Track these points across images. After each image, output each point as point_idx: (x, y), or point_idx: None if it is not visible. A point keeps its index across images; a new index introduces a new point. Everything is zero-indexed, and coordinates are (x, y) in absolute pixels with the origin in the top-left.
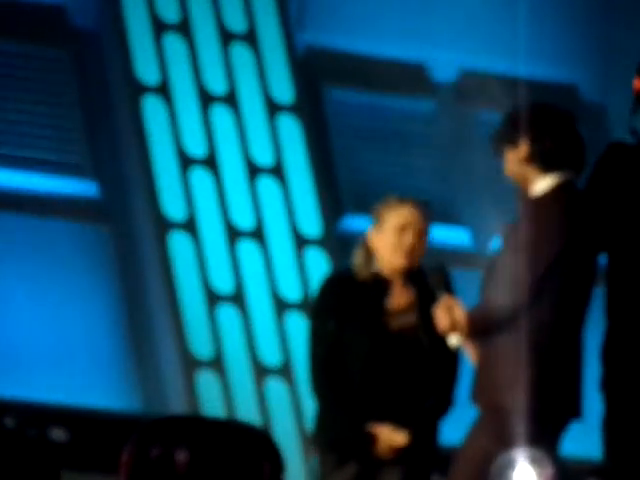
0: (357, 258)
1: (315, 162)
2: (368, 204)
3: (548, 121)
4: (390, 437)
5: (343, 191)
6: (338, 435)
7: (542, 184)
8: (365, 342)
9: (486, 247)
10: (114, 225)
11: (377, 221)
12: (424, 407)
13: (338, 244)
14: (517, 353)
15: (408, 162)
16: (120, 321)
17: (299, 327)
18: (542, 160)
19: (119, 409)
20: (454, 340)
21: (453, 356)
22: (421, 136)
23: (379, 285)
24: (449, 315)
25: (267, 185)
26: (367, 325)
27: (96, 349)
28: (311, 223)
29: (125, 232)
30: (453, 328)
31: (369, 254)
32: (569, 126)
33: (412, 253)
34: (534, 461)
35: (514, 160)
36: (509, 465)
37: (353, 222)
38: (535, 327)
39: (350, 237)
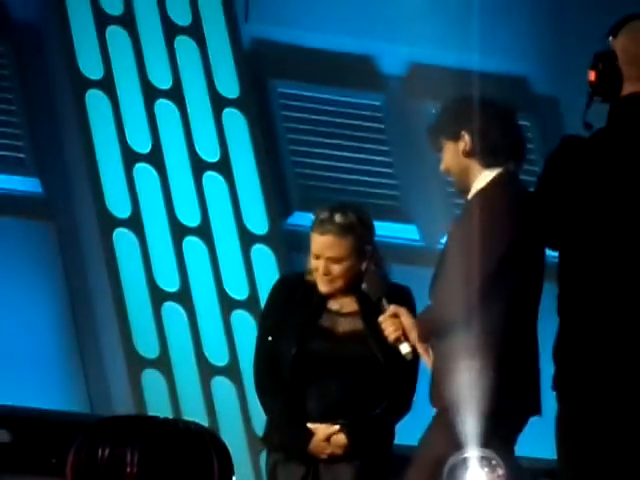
0: (308, 261)
1: (262, 157)
2: (316, 200)
3: (489, 114)
4: (325, 433)
5: (290, 187)
6: (278, 438)
7: (485, 178)
8: (292, 346)
9: (436, 243)
10: (58, 222)
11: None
12: (370, 413)
13: (285, 241)
14: (471, 352)
15: (357, 157)
16: (64, 320)
17: (246, 325)
18: (484, 154)
19: (63, 410)
20: (405, 349)
21: (404, 362)
22: (370, 130)
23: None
24: (396, 324)
25: (213, 181)
26: (299, 329)
27: (40, 348)
28: (258, 220)
29: (69, 229)
30: (402, 336)
31: None
32: (510, 118)
33: (330, 281)
34: (486, 461)
35: (454, 154)
36: (461, 466)
37: (301, 218)
38: (489, 325)
39: (297, 234)
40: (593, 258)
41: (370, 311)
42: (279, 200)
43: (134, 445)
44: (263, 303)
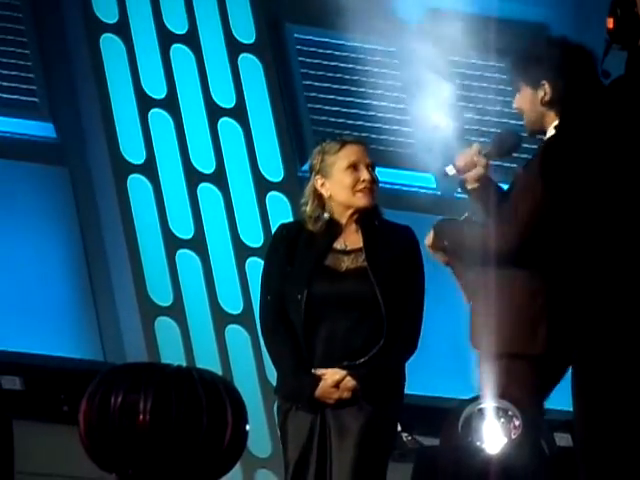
0: (308, 210)
1: (277, 103)
2: None
3: (573, 63)
4: (334, 379)
5: (306, 133)
6: (286, 386)
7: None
8: (301, 290)
9: (452, 192)
10: (72, 167)
11: (320, 169)
12: (374, 351)
13: (301, 188)
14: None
15: (373, 104)
16: (78, 266)
17: (260, 273)
18: (562, 103)
19: (76, 357)
20: (450, 170)
21: (410, 299)
22: (386, 77)
23: (330, 231)
24: (471, 162)
25: (228, 127)
26: (306, 273)
27: (53, 295)
28: (273, 167)
29: (83, 175)
30: (470, 167)
31: (320, 204)
32: (592, 67)
33: (371, 188)
34: (502, 412)
35: (531, 100)
36: (477, 416)
37: None
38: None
39: None
40: (612, 210)
41: (374, 246)
42: (294, 147)
43: (147, 393)
44: None
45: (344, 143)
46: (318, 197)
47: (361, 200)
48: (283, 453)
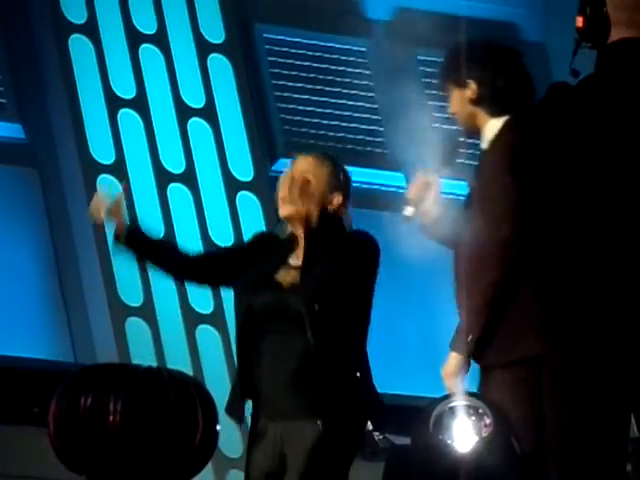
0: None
1: (247, 103)
2: (302, 146)
3: (497, 60)
4: None
5: (276, 133)
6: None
7: (493, 127)
8: (246, 301)
9: None
10: (41, 168)
11: None
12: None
13: (270, 188)
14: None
15: (342, 103)
16: (48, 267)
17: None
18: (490, 102)
19: (46, 358)
20: (409, 212)
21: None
22: (356, 76)
23: (291, 245)
24: (422, 190)
25: (198, 127)
26: (254, 284)
27: (23, 296)
28: (243, 166)
29: (52, 175)
30: (417, 203)
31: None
32: (517, 64)
33: (291, 201)
34: (473, 410)
35: (460, 100)
36: (448, 414)
37: (286, 165)
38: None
39: None
40: (581, 208)
41: (312, 262)
42: (264, 146)
43: (117, 394)
44: None
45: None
46: None
47: (280, 209)
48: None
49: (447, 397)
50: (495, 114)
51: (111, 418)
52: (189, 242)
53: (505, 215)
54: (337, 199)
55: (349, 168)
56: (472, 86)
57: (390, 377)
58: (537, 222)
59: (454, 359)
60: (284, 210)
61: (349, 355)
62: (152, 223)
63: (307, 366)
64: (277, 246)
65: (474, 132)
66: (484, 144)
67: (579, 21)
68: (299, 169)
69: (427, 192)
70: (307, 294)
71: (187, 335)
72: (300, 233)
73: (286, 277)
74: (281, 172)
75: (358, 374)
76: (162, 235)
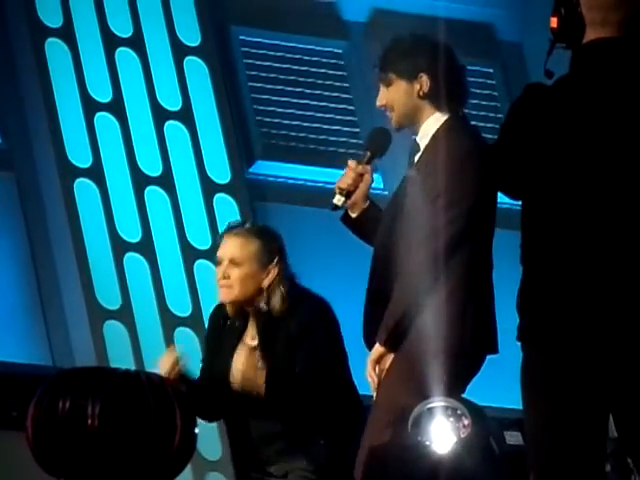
0: None
1: (224, 106)
2: (279, 148)
3: (449, 59)
4: None
5: (253, 135)
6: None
7: (436, 122)
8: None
9: None
10: (18, 172)
11: None
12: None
13: (248, 190)
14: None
15: (319, 105)
16: (25, 271)
17: (209, 275)
18: (441, 98)
19: (24, 362)
20: (338, 201)
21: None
22: (332, 78)
23: (241, 323)
24: (355, 179)
25: (174, 130)
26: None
27: (0, 300)
28: (220, 169)
29: (29, 180)
30: (348, 193)
31: None
32: (458, 62)
33: (228, 286)
34: (451, 411)
35: (407, 93)
36: (426, 416)
37: (264, 167)
38: (451, 272)
39: (260, 183)
40: (557, 206)
41: (268, 341)
42: (241, 149)
43: (95, 397)
44: None
45: (222, 236)
46: None
47: (219, 294)
48: None
49: (426, 398)
50: (440, 110)
51: (89, 422)
52: (167, 245)
53: (465, 217)
54: (272, 274)
55: (326, 170)
56: (424, 80)
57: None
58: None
59: (376, 349)
60: (222, 296)
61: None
62: (130, 226)
63: None
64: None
65: (409, 126)
66: (423, 139)
67: (553, 22)
68: (227, 254)
69: (359, 183)
70: (270, 372)
71: (165, 338)
72: (250, 310)
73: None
74: (258, 174)
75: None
76: (139, 238)
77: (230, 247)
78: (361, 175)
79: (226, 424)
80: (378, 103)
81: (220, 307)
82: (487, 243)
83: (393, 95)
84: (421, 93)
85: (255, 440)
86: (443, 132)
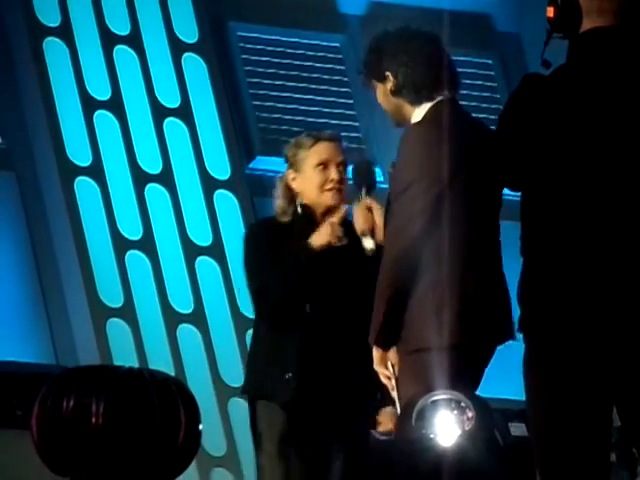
0: (279, 203)
1: (222, 102)
2: (278, 144)
3: (411, 50)
4: None
5: (252, 131)
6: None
7: (417, 116)
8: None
9: None
10: (18, 172)
11: (293, 163)
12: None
13: (248, 185)
14: (434, 292)
15: (318, 99)
16: (28, 270)
17: (210, 272)
18: (410, 92)
19: (28, 361)
20: (369, 244)
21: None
22: (330, 72)
23: (305, 225)
24: (368, 217)
25: (174, 127)
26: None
27: (3, 299)
28: (220, 165)
29: (30, 179)
30: (371, 230)
31: (291, 198)
32: (433, 48)
33: (340, 188)
34: (455, 403)
35: (384, 94)
36: (430, 408)
37: (263, 163)
38: (448, 259)
39: (260, 178)
40: (557, 197)
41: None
42: (241, 145)
43: (99, 395)
44: (227, 249)
45: (317, 139)
46: (289, 191)
47: (329, 199)
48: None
49: (430, 391)
50: (417, 102)
51: (94, 420)
52: (168, 242)
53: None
54: None
55: None
56: (390, 77)
57: None
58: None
59: (374, 351)
60: (335, 199)
61: None
62: (131, 224)
63: None
64: (286, 232)
65: (405, 123)
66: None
67: (550, 11)
68: (338, 157)
69: (373, 216)
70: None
71: (168, 335)
72: (318, 217)
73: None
74: (258, 170)
75: None
76: (140, 236)
77: (338, 151)
78: (370, 209)
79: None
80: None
81: (263, 225)
82: (484, 229)
83: (378, 98)
84: (392, 91)
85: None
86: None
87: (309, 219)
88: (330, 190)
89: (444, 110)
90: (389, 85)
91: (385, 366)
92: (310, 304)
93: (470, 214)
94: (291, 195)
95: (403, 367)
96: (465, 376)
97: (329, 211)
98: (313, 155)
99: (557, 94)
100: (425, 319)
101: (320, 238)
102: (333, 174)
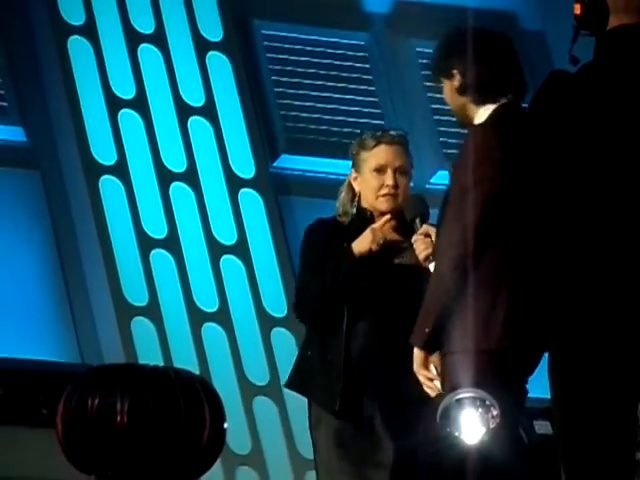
0: (341, 201)
1: (247, 100)
2: (303, 142)
3: (480, 47)
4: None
5: (276, 129)
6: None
7: (481, 116)
8: (359, 281)
9: (425, 182)
10: (43, 171)
11: (355, 163)
12: None
13: (272, 184)
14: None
15: (343, 97)
16: (52, 269)
17: (235, 271)
18: (476, 90)
19: (53, 360)
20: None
21: None
22: (355, 70)
23: (359, 228)
24: (427, 243)
25: (198, 125)
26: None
27: (28, 299)
28: (244, 163)
29: (55, 178)
30: (432, 255)
31: (352, 197)
32: (503, 50)
33: (394, 194)
34: (480, 402)
35: (450, 91)
36: (455, 407)
37: (288, 161)
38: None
39: (284, 177)
40: (583, 197)
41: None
42: (265, 143)
43: (124, 394)
44: (251, 247)
45: (378, 142)
46: (351, 191)
47: (382, 205)
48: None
49: (454, 390)
50: (481, 103)
51: (118, 418)
52: (193, 241)
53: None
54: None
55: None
56: (457, 76)
57: None
58: (523, 214)
59: (416, 353)
60: (388, 205)
61: None
62: (155, 222)
63: None
64: (345, 231)
65: (469, 123)
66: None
67: (577, 8)
68: (396, 162)
69: (432, 240)
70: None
71: (193, 333)
72: (376, 218)
73: (396, 258)
74: (283, 168)
75: None
76: (165, 234)
77: (397, 155)
78: (428, 235)
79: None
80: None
81: (322, 224)
82: (533, 235)
83: (446, 96)
84: (458, 89)
85: None
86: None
87: (364, 222)
88: (384, 196)
89: (507, 114)
90: (455, 83)
91: (427, 368)
92: (354, 307)
93: (526, 221)
94: (353, 195)
95: (445, 369)
96: (509, 381)
97: (383, 217)
98: (372, 158)
99: (584, 92)
100: (471, 322)
101: (361, 244)
102: (389, 180)
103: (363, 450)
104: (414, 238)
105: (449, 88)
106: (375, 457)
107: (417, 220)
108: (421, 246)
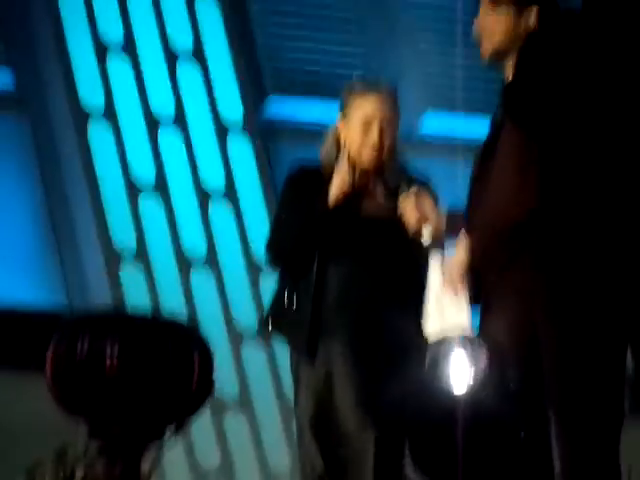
0: (325, 149)
1: (234, 43)
2: (291, 85)
3: None
4: None
5: (265, 72)
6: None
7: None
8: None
9: (413, 128)
10: (32, 115)
11: (343, 110)
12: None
13: (261, 127)
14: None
15: (330, 38)
16: (41, 215)
17: (223, 215)
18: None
19: (42, 305)
20: (426, 235)
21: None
22: (343, 10)
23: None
24: (419, 207)
25: (186, 70)
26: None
27: (17, 244)
28: (233, 107)
29: (43, 123)
30: (424, 221)
31: (337, 145)
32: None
33: (380, 147)
34: (469, 341)
35: (515, 24)
36: (444, 348)
37: (276, 105)
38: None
39: (274, 121)
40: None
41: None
42: (254, 87)
43: (114, 338)
44: (240, 192)
45: (368, 91)
46: (336, 137)
47: (364, 159)
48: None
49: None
50: None
51: (108, 362)
52: (181, 185)
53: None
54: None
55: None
56: (534, 12)
57: None
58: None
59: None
60: (372, 162)
61: None
62: (144, 168)
63: None
64: (326, 181)
65: (501, 60)
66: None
67: None
68: (381, 114)
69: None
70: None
71: (181, 278)
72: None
73: (371, 209)
74: (271, 114)
75: None
76: (153, 179)
77: (385, 106)
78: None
79: None
80: (477, 27)
81: (303, 172)
82: None
83: (496, 21)
84: (528, 26)
85: None
86: None
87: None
88: (369, 149)
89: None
90: (529, 17)
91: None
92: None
93: None
94: (337, 142)
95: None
96: None
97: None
98: (358, 108)
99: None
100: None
101: (331, 193)
102: (374, 134)
103: (327, 393)
104: (401, 199)
105: (514, 18)
106: (334, 402)
107: (403, 186)
108: (411, 212)
